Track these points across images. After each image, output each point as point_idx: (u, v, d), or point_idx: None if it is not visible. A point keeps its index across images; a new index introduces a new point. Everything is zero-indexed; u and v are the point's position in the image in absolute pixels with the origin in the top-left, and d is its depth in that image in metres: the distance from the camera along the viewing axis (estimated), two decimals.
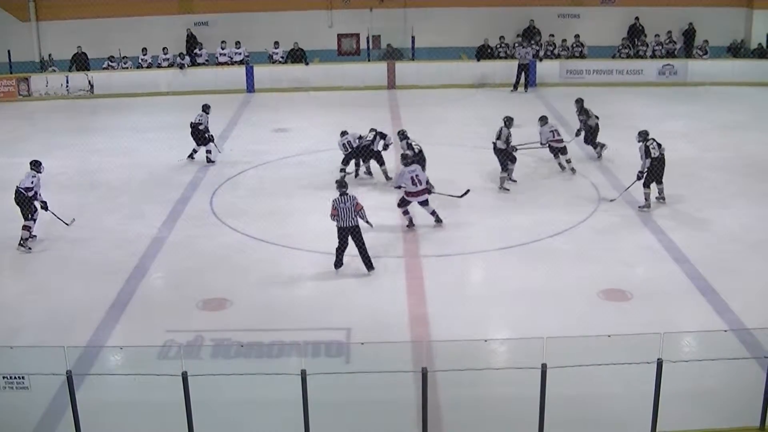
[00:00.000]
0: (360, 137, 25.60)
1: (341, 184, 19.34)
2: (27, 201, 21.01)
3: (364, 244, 19.30)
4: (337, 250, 19.30)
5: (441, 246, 20.88)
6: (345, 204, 18.90)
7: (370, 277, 19.09)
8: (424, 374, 12.06)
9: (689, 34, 43.01)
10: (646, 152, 23.20)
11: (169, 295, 18.52)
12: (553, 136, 26.45)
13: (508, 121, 25.53)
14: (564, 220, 22.31)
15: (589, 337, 14.02)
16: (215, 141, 28.03)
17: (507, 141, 25.03)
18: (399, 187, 22.00)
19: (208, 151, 27.52)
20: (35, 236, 21.52)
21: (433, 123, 32.30)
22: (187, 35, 41.76)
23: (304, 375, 11.86)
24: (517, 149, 25.20)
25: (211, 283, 18.82)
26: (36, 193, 21.18)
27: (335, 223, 19.05)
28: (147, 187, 25.15)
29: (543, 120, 26.95)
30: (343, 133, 25.75)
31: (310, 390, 11.97)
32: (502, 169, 25.15)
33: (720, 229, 21.76)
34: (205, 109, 27.65)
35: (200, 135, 27.47)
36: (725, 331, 16.21)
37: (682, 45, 42.73)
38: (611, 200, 24.05)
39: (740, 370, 14.27)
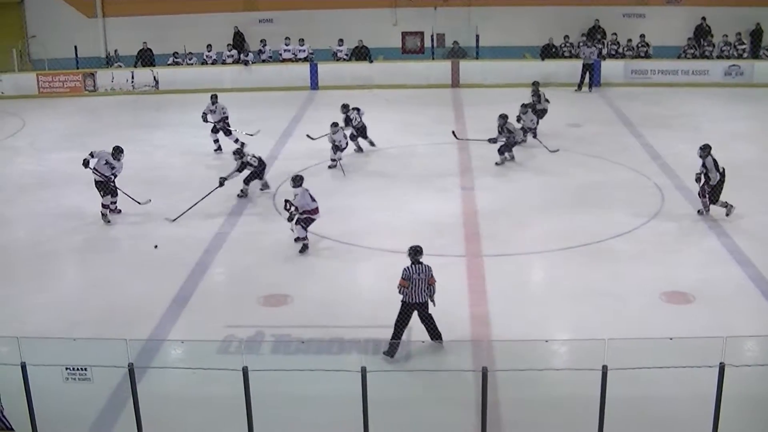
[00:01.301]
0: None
1: (416, 251, 15.88)
2: (105, 184, 22.50)
3: (432, 319, 15.90)
4: (397, 328, 15.68)
5: (503, 246, 20.83)
6: (419, 275, 15.68)
7: None
8: (484, 374, 12.03)
9: (756, 34, 42.51)
10: (716, 165, 22.27)
11: (230, 291, 18.64)
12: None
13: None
14: (626, 222, 22.17)
15: (650, 339, 13.97)
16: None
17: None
18: (304, 212, 20.39)
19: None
20: (119, 210, 22.98)
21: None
22: (235, 32, 41.88)
23: (364, 372, 11.86)
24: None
25: (272, 279, 18.90)
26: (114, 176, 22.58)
27: (401, 296, 15.81)
28: (210, 183, 25.29)
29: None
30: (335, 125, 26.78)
31: (370, 387, 11.98)
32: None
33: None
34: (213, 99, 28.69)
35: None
36: None
37: (749, 45, 42.23)
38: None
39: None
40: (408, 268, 15.61)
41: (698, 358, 12.72)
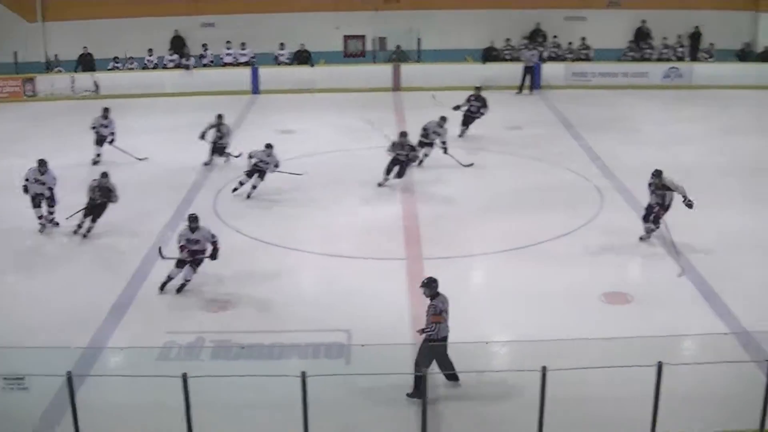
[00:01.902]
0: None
1: (433, 280, 14.69)
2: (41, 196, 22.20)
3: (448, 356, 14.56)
4: (422, 368, 13.89)
5: (443, 249, 20.87)
6: (445, 306, 14.52)
7: (371, 279, 19.12)
8: (425, 376, 12.04)
9: (695, 37, 42.97)
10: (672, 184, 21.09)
11: (171, 297, 18.51)
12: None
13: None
14: (566, 224, 22.30)
15: (590, 340, 14.04)
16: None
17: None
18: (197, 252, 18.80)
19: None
20: (57, 222, 22.52)
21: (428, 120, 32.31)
22: (174, 36, 41.62)
23: (304, 376, 11.85)
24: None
25: (212, 285, 18.83)
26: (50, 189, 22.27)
27: (431, 333, 14.29)
28: (151, 188, 25.14)
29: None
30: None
31: (310, 391, 11.95)
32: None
33: (724, 233, 21.73)
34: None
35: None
36: (726, 334, 16.21)
37: (689, 48, 42.66)
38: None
39: (741, 373, 14.24)
40: (436, 302, 14.34)
41: (637, 357, 12.83)
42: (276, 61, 40.73)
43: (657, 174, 20.84)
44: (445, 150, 26.90)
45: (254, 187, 24.35)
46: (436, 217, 22.91)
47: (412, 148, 24.74)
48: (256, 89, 39.32)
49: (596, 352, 14.02)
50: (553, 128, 32.84)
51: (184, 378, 12.03)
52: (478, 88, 31.33)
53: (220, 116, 27.63)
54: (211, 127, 27.55)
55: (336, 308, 17.55)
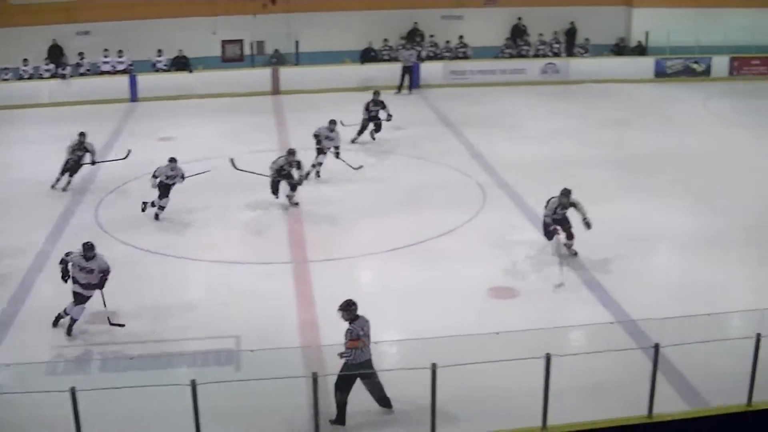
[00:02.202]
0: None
1: (351, 304, 14.05)
2: None
3: (379, 380, 14.13)
4: (341, 396, 13.85)
5: (329, 250, 20.92)
6: (366, 330, 13.93)
7: (258, 284, 19.07)
8: (315, 379, 12.05)
9: (571, 33, 43.64)
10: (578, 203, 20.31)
11: (57, 310, 18.17)
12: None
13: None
14: (451, 221, 22.49)
15: (478, 335, 14.16)
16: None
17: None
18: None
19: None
20: None
21: (318, 127, 32.26)
22: (51, 45, 40.79)
23: (194, 385, 11.77)
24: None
25: (98, 296, 18.55)
26: None
27: (348, 358, 13.74)
28: (30, 200, 24.72)
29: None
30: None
31: (201, 400, 11.88)
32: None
33: (604, 224, 22.06)
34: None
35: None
36: (612, 323, 16.52)
37: (565, 44, 43.28)
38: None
39: (628, 361, 14.50)
40: (354, 326, 13.65)
41: (526, 350, 12.98)
42: (154, 68, 40.29)
43: (566, 193, 20.29)
44: (338, 155, 26.56)
45: (162, 207, 23.28)
46: (321, 220, 22.94)
47: (299, 165, 24.12)
48: (134, 97, 38.79)
49: (485, 347, 14.15)
50: (433, 127, 33.06)
51: (73, 392, 11.86)
52: (376, 93, 31.39)
53: (82, 134, 26.30)
54: (75, 147, 25.99)
55: (224, 315, 17.48)
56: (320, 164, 26.45)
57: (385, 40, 41.87)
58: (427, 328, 15.99)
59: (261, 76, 39.92)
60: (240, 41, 42.35)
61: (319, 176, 26.40)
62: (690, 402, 14.55)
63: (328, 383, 13.67)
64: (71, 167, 25.78)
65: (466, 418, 13.75)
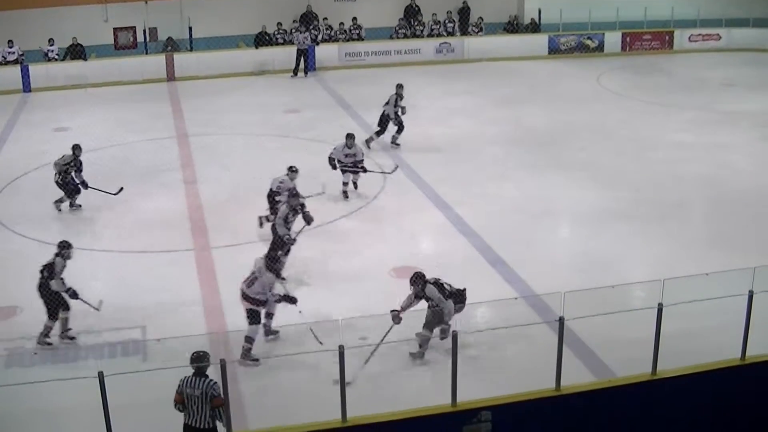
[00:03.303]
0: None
1: (195, 358, 12.14)
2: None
3: None
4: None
5: (231, 236, 20.77)
6: (194, 390, 12.02)
7: (162, 273, 18.86)
8: (223, 366, 11.92)
9: (464, 12, 43.84)
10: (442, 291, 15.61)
11: None
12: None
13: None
14: (352, 202, 22.46)
15: (384, 316, 14.16)
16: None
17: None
18: None
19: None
20: None
21: (215, 113, 32.07)
22: None
23: (101, 377, 11.57)
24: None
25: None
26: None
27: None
28: None
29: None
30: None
31: (110, 391, 11.68)
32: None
33: (504, 201, 22.34)
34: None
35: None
36: (516, 298, 16.62)
37: (458, 23, 43.46)
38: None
39: (533, 336, 14.61)
40: (184, 379, 12.16)
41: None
42: (46, 57, 39.55)
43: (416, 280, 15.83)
44: (365, 169, 23.85)
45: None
46: (221, 205, 22.76)
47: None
48: (27, 88, 38.01)
49: (393, 327, 14.19)
50: (330, 109, 33.03)
51: None
52: (400, 86, 28.33)
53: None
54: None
55: (129, 305, 17.27)
56: (347, 183, 23.75)
57: (279, 23, 41.61)
58: (334, 310, 15.98)
59: (155, 63, 39.38)
60: (132, 28, 41.76)
61: (347, 197, 23.54)
62: (596, 373, 14.78)
63: (236, 369, 13.56)
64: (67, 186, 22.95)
65: (377, 398, 13.71)
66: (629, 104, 33.73)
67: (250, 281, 15.55)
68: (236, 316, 16.28)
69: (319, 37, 41.33)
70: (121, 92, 36.91)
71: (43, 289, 16.02)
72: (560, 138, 28.40)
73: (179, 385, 12.04)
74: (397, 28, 42.82)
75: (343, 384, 12.39)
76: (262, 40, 40.95)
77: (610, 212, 21.97)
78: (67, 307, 16.12)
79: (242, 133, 27.85)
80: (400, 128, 27.65)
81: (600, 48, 43.75)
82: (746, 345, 14.22)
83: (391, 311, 14.91)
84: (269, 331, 15.81)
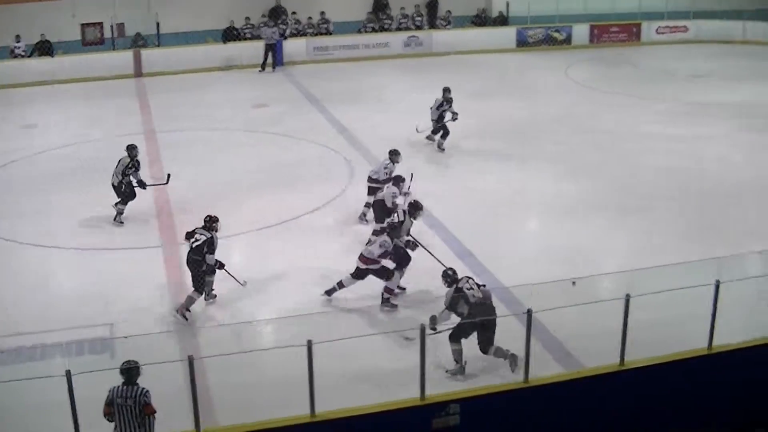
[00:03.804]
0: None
1: (125, 370, 11.92)
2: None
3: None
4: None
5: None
6: (126, 400, 11.80)
7: (129, 271, 18.75)
8: (191, 362, 11.89)
9: (432, 5, 43.85)
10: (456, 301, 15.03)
11: None
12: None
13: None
14: (320, 196, 22.46)
15: (353, 311, 14.19)
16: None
17: None
18: None
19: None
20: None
21: (183, 109, 31.97)
22: None
23: (69, 375, 11.51)
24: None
25: None
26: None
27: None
28: None
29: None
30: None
31: (78, 389, 11.62)
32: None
33: (474, 194, 22.37)
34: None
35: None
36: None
37: (426, 16, 43.45)
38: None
39: (502, 328, 14.60)
40: (113, 389, 11.89)
41: (401, 322, 13.01)
42: (12, 54, 39.26)
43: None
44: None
45: None
46: (189, 201, 22.58)
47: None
48: None
49: (362, 321, 14.20)
50: (298, 104, 32.98)
51: None
52: (447, 90, 27.47)
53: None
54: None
55: (97, 302, 17.18)
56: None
57: (247, 18, 41.48)
58: (303, 305, 15.99)
59: (123, 58, 39.17)
60: (100, 24, 41.51)
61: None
62: (565, 364, 14.81)
63: (205, 365, 13.51)
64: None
65: (339, 393, 13.68)
66: (598, 96, 33.88)
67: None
68: (205, 314, 16.29)
69: (287, 32, 41.22)
70: (88, 88, 36.66)
71: (194, 263, 16.61)
72: (530, 130, 28.48)
73: (108, 396, 11.86)
74: (366, 22, 42.77)
75: (311, 378, 12.38)
76: (229, 35, 40.80)
77: (581, 204, 22.03)
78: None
79: (210, 129, 27.80)
80: (446, 133, 26.89)
81: (568, 40, 43.90)
82: (713, 334, 14.31)
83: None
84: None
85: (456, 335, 14.45)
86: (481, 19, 44.41)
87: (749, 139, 27.60)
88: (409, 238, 17.80)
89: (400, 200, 19.53)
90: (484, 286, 14.97)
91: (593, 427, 13.99)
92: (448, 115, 26.84)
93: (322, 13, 42.04)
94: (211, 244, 16.47)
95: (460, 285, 14.73)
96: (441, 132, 26.82)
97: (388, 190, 20.04)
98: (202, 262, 16.43)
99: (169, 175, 21.78)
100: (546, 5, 43.25)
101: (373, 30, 42.55)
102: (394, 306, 16.74)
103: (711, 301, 14.03)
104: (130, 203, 21.32)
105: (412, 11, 43.19)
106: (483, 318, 14.33)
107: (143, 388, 11.82)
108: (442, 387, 13.43)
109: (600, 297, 15.31)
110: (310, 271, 18.35)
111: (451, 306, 14.61)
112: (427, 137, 26.89)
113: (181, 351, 14.42)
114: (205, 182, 23.86)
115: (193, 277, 16.60)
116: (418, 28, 42.87)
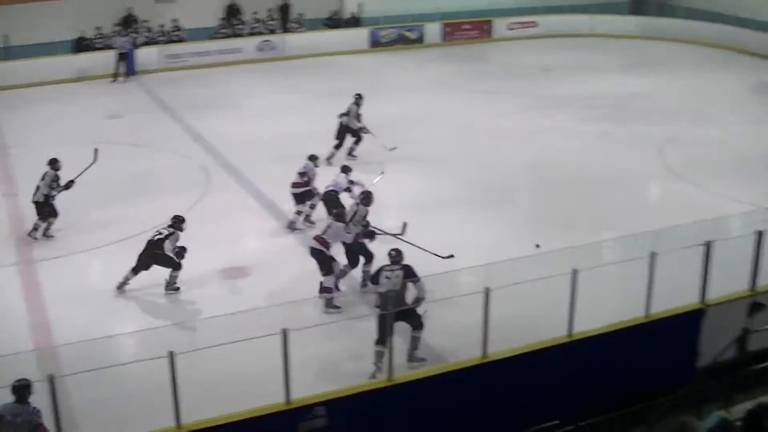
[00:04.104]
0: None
1: (22, 388, 11.67)
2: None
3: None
4: None
5: (55, 248, 20.39)
6: (15, 418, 11.59)
7: None
8: (51, 381, 11.71)
9: (284, 9, 43.80)
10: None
11: None
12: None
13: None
14: (178, 205, 22.19)
15: (215, 318, 14.08)
16: None
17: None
18: None
19: None
20: None
21: (34, 122, 31.39)
22: None
23: None
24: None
25: None
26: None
27: None
28: None
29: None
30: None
31: None
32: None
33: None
34: None
35: None
36: (339, 290, 16.80)
37: (279, 20, 43.40)
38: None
39: (364, 329, 14.72)
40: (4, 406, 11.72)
41: (263, 327, 12.96)
42: None
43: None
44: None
45: None
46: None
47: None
48: None
49: (223, 329, 14.08)
50: (152, 113, 32.63)
51: None
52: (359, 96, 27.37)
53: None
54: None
55: None
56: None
57: (98, 27, 40.87)
58: (165, 316, 15.86)
59: None
60: None
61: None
62: (429, 360, 14.93)
63: (66, 383, 13.30)
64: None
65: (211, 400, 13.60)
66: (453, 93, 34.31)
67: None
68: (64, 331, 16.04)
69: (139, 40, 40.74)
70: None
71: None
72: (387, 130, 28.58)
73: None
74: (219, 28, 42.53)
75: (175, 389, 12.29)
76: (80, 45, 40.20)
77: (440, 200, 22.31)
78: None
79: (63, 142, 27.32)
80: (359, 139, 26.78)
81: (421, 39, 44.38)
82: (572, 322, 14.58)
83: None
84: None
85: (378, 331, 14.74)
86: (334, 21, 44.51)
87: (597, 129, 28.24)
88: (372, 228, 18.25)
89: (357, 190, 20.15)
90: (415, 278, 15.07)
91: (460, 420, 14.14)
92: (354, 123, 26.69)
93: (174, 20, 41.67)
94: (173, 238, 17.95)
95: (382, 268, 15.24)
96: (357, 139, 26.78)
97: (339, 179, 20.91)
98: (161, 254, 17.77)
99: (96, 150, 21.99)
100: (398, 5, 43.58)
101: (226, 36, 42.32)
102: (338, 308, 16.90)
103: (569, 290, 14.32)
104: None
105: (264, 15, 43.08)
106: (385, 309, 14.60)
107: (34, 407, 11.63)
108: (306, 389, 13.43)
109: (460, 292, 15.47)
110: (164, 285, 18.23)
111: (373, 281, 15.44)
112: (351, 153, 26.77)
113: (41, 370, 14.15)
114: (60, 197, 23.45)
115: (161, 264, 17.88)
116: (271, 32, 42.78)
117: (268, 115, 30.32)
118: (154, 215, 21.65)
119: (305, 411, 13.13)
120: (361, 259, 17.94)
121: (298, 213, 21.21)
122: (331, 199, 20.52)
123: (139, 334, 15.65)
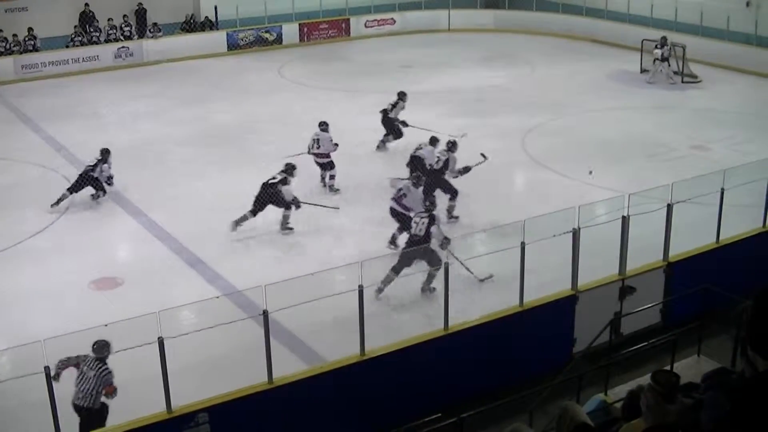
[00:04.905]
0: None
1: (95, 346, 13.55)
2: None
3: None
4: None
5: None
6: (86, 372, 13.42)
7: None
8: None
9: (140, 14, 43.36)
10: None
11: None
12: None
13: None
14: (42, 219, 21.97)
15: (87, 331, 13.93)
16: None
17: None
18: None
19: None
20: None
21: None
22: None
23: None
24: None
25: None
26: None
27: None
28: None
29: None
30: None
31: None
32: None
33: (197, 201, 22.34)
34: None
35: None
36: (218, 297, 16.70)
37: (136, 26, 42.97)
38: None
39: (242, 332, 14.71)
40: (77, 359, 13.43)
41: (138, 337, 12.90)
42: None
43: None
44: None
45: None
46: None
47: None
48: None
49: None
50: (10, 125, 31.94)
51: None
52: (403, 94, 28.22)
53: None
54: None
55: None
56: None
57: None
58: (33, 332, 15.62)
59: None
60: None
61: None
62: (307, 360, 15.06)
63: None
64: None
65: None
66: (313, 93, 34.45)
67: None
68: None
69: None
70: None
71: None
72: (249, 132, 28.67)
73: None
74: (73, 36, 41.87)
75: (53, 404, 12.19)
76: None
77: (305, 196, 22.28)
78: None
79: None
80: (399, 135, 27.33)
81: (279, 40, 44.38)
82: (447, 316, 14.82)
83: None
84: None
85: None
86: (190, 25, 44.22)
87: (459, 123, 28.52)
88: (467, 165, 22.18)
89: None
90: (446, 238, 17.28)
91: (343, 418, 14.27)
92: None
93: (30, 29, 40.86)
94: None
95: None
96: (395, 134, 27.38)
97: (427, 150, 22.87)
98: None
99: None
100: (254, 7, 43.45)
101: (82, 44, 41.70)
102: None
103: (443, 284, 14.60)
104: None
105: (120, 21, 42.60)
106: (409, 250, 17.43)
107: (108, 369, 13.34)
108: (188, 396, 13.40)
109: (334, 290, 15.58)
110: (40, 295, 18.02)
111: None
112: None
113: None
114: None
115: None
116: (128, 38, 42.32)
117: (128, 122, 30.07)
118: (19, 228, 21.43)
119: (188, 419, 13.12)
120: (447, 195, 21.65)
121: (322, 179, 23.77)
122: (415, 163, 22.58)
123: (14, 351, 15.45)
